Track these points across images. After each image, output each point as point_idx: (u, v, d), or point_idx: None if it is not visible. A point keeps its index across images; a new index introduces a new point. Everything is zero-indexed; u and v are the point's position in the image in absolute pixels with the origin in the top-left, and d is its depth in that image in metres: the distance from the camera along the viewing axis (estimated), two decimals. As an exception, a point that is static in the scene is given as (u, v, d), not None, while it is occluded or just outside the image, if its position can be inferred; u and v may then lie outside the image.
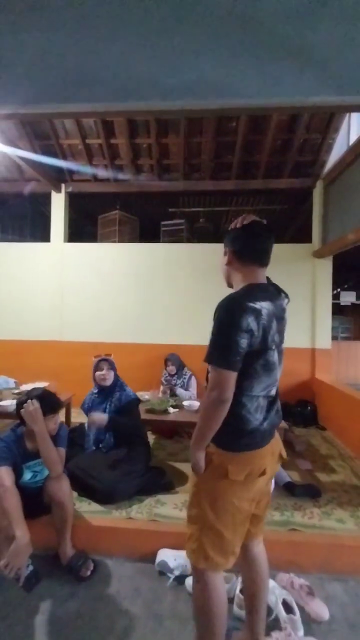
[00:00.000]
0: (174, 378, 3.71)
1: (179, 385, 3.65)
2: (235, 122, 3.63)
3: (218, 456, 1.10)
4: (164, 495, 2.15)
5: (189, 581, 1.64)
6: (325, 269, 4.10)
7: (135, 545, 1.84)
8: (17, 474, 1.73)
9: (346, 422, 3.24)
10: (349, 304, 8.56)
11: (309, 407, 3.85)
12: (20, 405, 1.77)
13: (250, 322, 1.03)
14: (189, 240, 4.37)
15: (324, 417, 3.75)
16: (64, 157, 4.06)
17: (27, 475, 1.79)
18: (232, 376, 1.03)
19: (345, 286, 8.95)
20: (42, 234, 4.70)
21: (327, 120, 3.58)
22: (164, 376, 3.83)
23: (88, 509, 1.99)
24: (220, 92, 1.27)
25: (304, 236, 4.25)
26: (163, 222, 4.44)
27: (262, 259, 1.18)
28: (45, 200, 4.63)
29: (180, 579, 1.67)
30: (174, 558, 1.72)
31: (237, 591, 1.55)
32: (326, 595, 1.63)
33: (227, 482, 1.09)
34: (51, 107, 1.36)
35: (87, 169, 4.00)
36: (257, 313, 1.04)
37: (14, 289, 4.43)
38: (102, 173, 4.21)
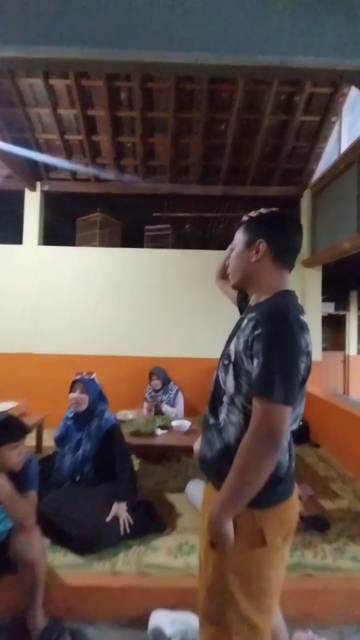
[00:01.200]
0: (159, 393, 3.43)
1: (165, 401, 3.36)
2: (225, 125, 3.49)
3: (249, 518, 0.83)
4: (155, 538, 1.83)
5: (191, 653, 1.34)
6: (314, 278, 4.00)
7: (123, 607, 1.51)
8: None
9: (343, 439, 3.08)
10: (327, 314, 8.69)
11: (300, 423, 3.67)
12: None
13: (308, 341, 0.83)
14: (174, 247, 4.13)
15: (317, 434, 3.59)
16: (41, 152, 3.73)
17: (-15, 526, 1.43)
18: (290, 413, 0.79)
19: (324, 297, 9.08)
20: (12, 235, 4.29)
21: (317, 128, 3.53)
22: (148, 391, 3.53)
23: (63, 561, 1.64)
24: (244, 45, 1.05)
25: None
26: (147, 227, 4.19)
27: (294, 264, 0.99)
28: (18, 199, 4.24)
29: (180, 650, 1.36)
30: (170, 622, 1.41)
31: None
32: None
33: (263, 551, 0.83)
34: (47, 50, 1.08)
35: (66, 164, 3.69)
36: (307, 330, 0.83)
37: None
38: (82, 172, 3.92)
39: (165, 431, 2.60)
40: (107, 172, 3.94)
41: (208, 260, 3.95)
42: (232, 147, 3.64)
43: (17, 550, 1.36)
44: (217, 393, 0.96)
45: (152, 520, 1.93)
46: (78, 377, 2.15)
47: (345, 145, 3.29)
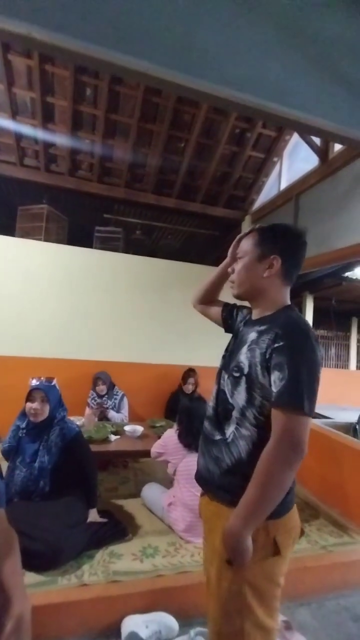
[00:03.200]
0: (104, 399, 3.34)
1: (111, 406, 3.30)
2: (184, 143, 3.68)
3: (263, 529, 0.84)
4: (117, 545, 1.82)
5: (167, 651, 1.38)
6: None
7: (94, 619, 1.47)
8: None
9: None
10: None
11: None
12: None
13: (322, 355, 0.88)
14: (124, 251, 4.11)
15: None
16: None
17: None
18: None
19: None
20: None
21: (261, 164, 4.00)
22: (92, 397, 3.41)
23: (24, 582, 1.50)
24: (275, 92, 1.22)
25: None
26: (98, 228, 4.08)
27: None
28: None
29: (155, 650, 1.40)
30: (144, 625, 1.44)
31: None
32: (298, 624, 1.62)
33: (276, 559, 0.86)
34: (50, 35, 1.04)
35: (10, 130, 3.30)
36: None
37: None
38: (31, 159, 3.62)
39: (118, 437, 2.57)
40: (59, 164, 3.73)
41: (157, 268, 4.05)
42: (187, 165, 3.85)
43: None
44: (221, 407, 0.95)
45: (114, 527, 1.90)
46: (37, 383, 1.96)
47: (284, 184, 3.81)
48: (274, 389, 0.82)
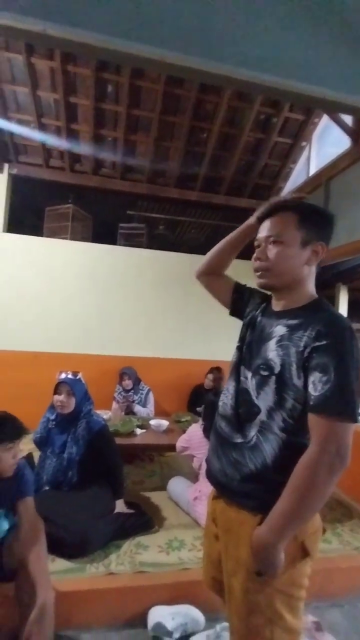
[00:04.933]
0: (130, 394, 3.39)
1: (137, 401, 3.34)
2: (207, 134, 3.61)
3: (292, 536, 0.80)
4: (144, 536, 1.84)
5: (193, 643, 1.39)
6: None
7: (120, 608, 1.50)
8: None
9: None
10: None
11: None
12: None
13: None
14: (147, 247, 4.13)
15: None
16: (12, 133, 3.46)
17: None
18: None
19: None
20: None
21: (288, 150, 3.84)
22: (118, 391, 3.48)
23: (53, 568, 1.55)
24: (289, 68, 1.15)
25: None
26: (121, 224, 4.12)
27: None
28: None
29: (182, 642, 1.40)
30: (171, 617, 1.44)
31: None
32: (329, 625, 1.56)
33: (304, 563, 0.82)
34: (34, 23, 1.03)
35: (36, 135, 3.41)
36: None
37: None
38: (56, 159, 3.72)
39: (144, 431, 2.60)
40: (83, 164, 3.80)
41: (181, 262, 4.03)
42: (210, 156, 3.78)
43: (19, 554, 1.27)
44: (244, 408, 0.88)
45: (140, 518, 1.92)
46: (63, 377, 2.02)
47: (313, 169, 3.63)
48: (314, 392, 0.74)
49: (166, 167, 3.88)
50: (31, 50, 2.90)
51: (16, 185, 3.89)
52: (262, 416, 0.83)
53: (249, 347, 0.93)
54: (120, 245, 4.10)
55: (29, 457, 2.02)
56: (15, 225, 3.91)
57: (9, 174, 3.74)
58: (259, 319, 0.96)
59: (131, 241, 4.10)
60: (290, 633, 0.82)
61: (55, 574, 1.50)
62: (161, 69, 1.42)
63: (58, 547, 1.62)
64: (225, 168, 3.94)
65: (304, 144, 3.76)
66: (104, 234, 4.25)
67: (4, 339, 3.63)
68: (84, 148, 3.63)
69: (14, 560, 1.31)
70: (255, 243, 0.95)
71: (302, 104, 2.90)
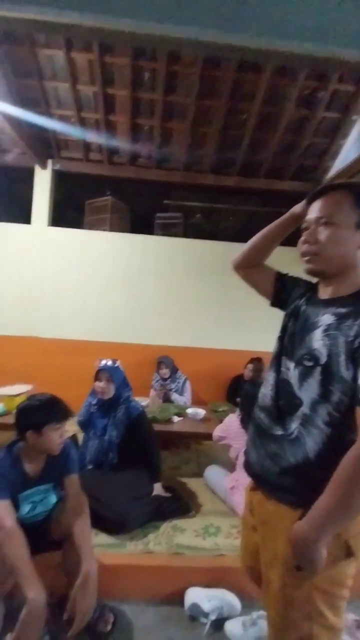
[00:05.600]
0: (168, 382, 3.45)
1: (174, 389, 3.39)
2: (246, 115, 3.46)
3: (335, 533, 0.78)
4: (180, 519, 1.88)
5: (229, 626, 1.41)
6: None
7: (158, 586, 1.57)
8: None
9: None
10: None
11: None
12: (22, 412, 1.40)
13: None
14: (184, 236, 4.11)
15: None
16: (54, 129, 3.59)
17: (24, 509, 1.43)
18: None
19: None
20: (20, 214, 4.13)
21: (336, 125, 3.55)
22: (156, 380, 3.55)
23: (96, 541, 1.65)
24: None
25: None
26: (158, 214, 4.13)
27: None
28: (24, 177, 4.08)
29: (218, 624, 1.43)
30: (207, 599, 1.48)
31: None
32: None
33: (347, 562, 0.79)
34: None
35: (77, 132, 3.51)
36: None
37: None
38: (96, 151, 3.80)
39: (180, 418, 2.64)
40: (120, 155, 3.84)
41: (217, 251, 3.97)
42: (249, 139, 3.62)
43: (67, 526, 1.37)
44: (285, 400, 0.85)
45: (177, 502, 1.97)
46: (102, 364, 2.11)
47: (363, 145, 3.34)
48: None
49: (202, 153, 3.79)
50: (70, 45, 2.95)
51: (58, 180, 4.05)
52: (305, 409, 0.79)
53: (292, 337, 0.89)
54: (157, 235, 4.12)
55: (73, 438, 2.16)
56: (58, 219, 4.09)
57: (52, 170, 3.90)
58: (303, 308, 0.91)
59: (168, 231, 4.10)
60: (330, 630, 0.80)
61: (98, 547, 1.60)
62: (201, 50, 1.37)
63: (100, 523, 1.72)
64: (266, 150, 3.76)
65: (355, 117, 3.45)
66: (141, 224, 4.30)
67: (47, 328, 3.87)
68: (122, 139, 3.66)
69: (61, 531, 1.41)
70: (303, 225, 0.89)
71: (353, 70, 2.65)
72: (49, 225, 3.92)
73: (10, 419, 2.30)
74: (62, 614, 1.31)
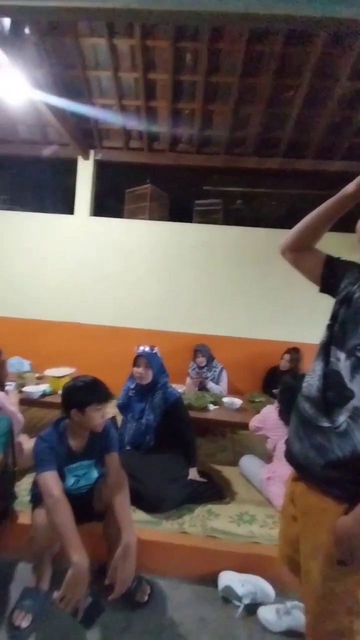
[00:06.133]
0: (204, 370, 3.46)
1: (210, 378, 3.40)
2: (294, 92, 3.25)
3: None
4: (215, 505, 1.91)
5: (262, 612, 1.42)
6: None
7: (191, 565, 1.61)
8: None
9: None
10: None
11: None
12: (68, 392, 1.49)
13: None
14: (224, 223, 4.02)
15: None
16: (96, 119, 3.66)
17: (68, 481, 1.53)
18: None
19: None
20: (62, 206, 4.30)
21: (395, 97, 3.22)
22: (192, 368, 3.57)
23: (134, 517, 1.71)
24: None
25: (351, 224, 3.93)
26: (197, 201, 4.08)
27: None
28: (68, 169, 4.23)
29: (250, 609, 1.45)
30: (240, 584, 1.50)
31: None
32: None
33: None
34: None
35: (119, 120, 3.54)
36: None
37: (32, 263, 4.07)
38: (135, 140, 3.82)
39: (216, 407, 2.64)
40: (160, 142, 3.82)
41: (258, 238, 3.84)
42: (296, 117, 3.41)
43: (105, 500, 1.45)
44: (333, 392, 0.83)
45: (212, 488, 2.00)
46: (140, 350, 2.16)
47: None
48: None
49: (245, 134, 3.65)
50: (113, 32, 2.95)
51: (100, 170, 4.13)
52: (356, 402, 0.77)
53: (343, 325, 0.85)
54: (195, 222, 4.08)
55: (112, 420, 2.25)
56: (99, 209, 4.20)
57: (94, 160, 3.99)
58: (357, 294, 0.86)
59: (207, 218, 4.04)
60: None
61: (136, 523, 1.65)
62: (250, 21, 1.31)
63: (137, 501, 1.79)
64: (314, 128, 3.53)
65: None
66: (180, 212, 4.28)
67: (88, 314, 4.03)
68: (162, 125, 3.63)
69: (102, 504, 1.50)
70: None
71: None
72: (90, 215, 4.04)
73: (55, 399, 2.51)
74: (103, 579, 1.41)
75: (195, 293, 3.97)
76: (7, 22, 2.62)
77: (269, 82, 3.16)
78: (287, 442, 0.96)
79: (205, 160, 3.86)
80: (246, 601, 1.45)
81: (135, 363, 2.14)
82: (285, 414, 1.96)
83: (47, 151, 4.01)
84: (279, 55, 2.96)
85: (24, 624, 1.28)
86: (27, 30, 2.90)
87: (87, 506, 1.54)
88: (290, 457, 0.94)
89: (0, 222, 4.12)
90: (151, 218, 4.03)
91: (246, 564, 1.58)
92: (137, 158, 3.98)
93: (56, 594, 1.13)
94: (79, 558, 1.17)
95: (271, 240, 3.86)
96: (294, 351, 3.38)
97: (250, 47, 2.93)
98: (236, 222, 4.09)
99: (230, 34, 2.89)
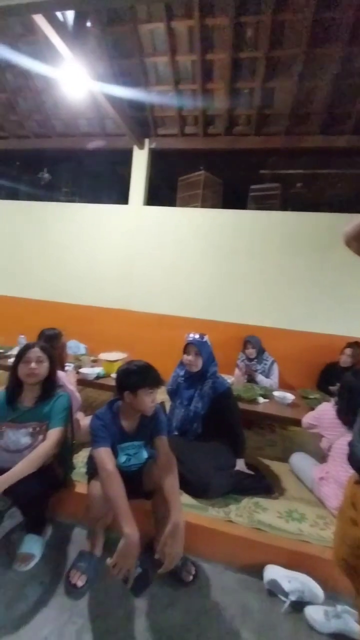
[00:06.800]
0: (254, 363, 3.37)
1: (260, 371, 3.30)
2: (367, 58, 2.92)
3: None
4: (262, 498, 1.88)
5: (310, 611, 1.38)
6: None
7: (236, 554, 1.61)
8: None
9: None
10: None
11: None
12: (122, 375, 1.55)
13: None
14: (281, 208, 3.81)
15: None
16: (152, 107, 3.67)
17: (120, 458, 1.61)
18: None
19: None
20: (117, 195, 4.44)
21: None
22: (241, 359, 3.50)
23: (181, 500, 1.78)
24: None
25: None
26: (253, 187, 3.91)
27: None
28: (123, 159, 4.33)
29: (296, 606, 1.41)
30: (287, 580, 1.46)
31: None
32: None
33: None
34: None
35: (173, 103, 3.51)
36: None
37: (88, 253, 4.29)
38: (190, 126, 3.76)
39: (266, 400, 2.57)
40: (216, 125, 3.71)
41: (320, 224, 3.58)
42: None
43: (154, 480, 1.51)
44: None
45: (259, 481, 1.97)
46: (191, 338, 2.16)
47: None
48: None
49: (309, 111, 3.38)
50: (171, 15, 2.91)
51: (153, 158, 4.16)
52: None
53: None
54: (250, 209, 3.93)
55: (161, 404, 2.31)
56: (153, 197, 4.25)
57: (149, 149, 4.02)
58: None
59: (263, 204, 3.86)
60: None
61: (184, 507, 1.71)
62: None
63: (183, 485, 1.82)
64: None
65: None
66: (234, 198, 4.16)
67: (141, 302, 4.14)
68: (219, 107, 3.52)
69: (152, 483, 1.56)
70: None
71: None
72: (143, 204, 4.10)
73: (108, 381, 2.65)
74: (151, 553, 1.48)
75: (248, 282, 3.86)
76: (70, 17, 2.71)
77: (338, 51, 2.87)
78: (351, 445, 0.91)
79: (263, 142, 3.67)
80: (293, 598, 1.41)
81: (186, 350, 2.16)
82: (343, 414, 1.83)
83: (95, 144, 4.12)
84: (350, 24, 2.67)
85: (80, 583, 1.40)
86: (88, 24, 2.98)
87: (137, 484, 1.61)
88: (353, 460, 0.89)
89: (61, 214, 4.39)
90: (204, 206, 3.97)
91: (294, 561, 1.54)
92: (192, 144, 3.92)
93: (109, 561, 1.21)
94: (130, 530, 1.24)
95: (333, 225, 3.59)
96: (356, 345, 3.14)
97: (318, 15, 2.68)
98: (295, 207, 3.85)
99: (296, 2, 2.67)
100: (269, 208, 3.82)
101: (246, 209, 3.94)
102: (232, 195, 4.14)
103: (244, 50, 3.05)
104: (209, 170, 4.11)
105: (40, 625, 1.27)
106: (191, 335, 2.20)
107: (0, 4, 1.71)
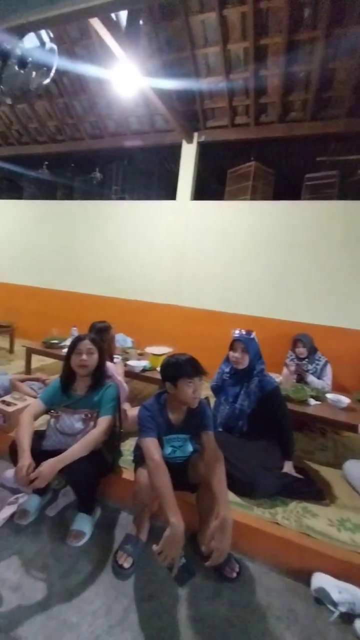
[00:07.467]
0: (304, 362, 3.20)
1: (311, 371, 3.13)
2: None
3: None
4: (312, 504, 1.79)
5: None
6: None
7: (282, 556, 1.56)
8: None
9: None
10: None
11: None
12: (164, 366, 1.57)
13: None
14: (340, 198, 3.55)
15: None
16: (202, 99, 3.63)
17: (166, 450, 1.63)
18: None
19: None
20: (165, 192, 4.48)
21: None
22: (290, 358, 3.35)
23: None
24: None
25: None
26: (308, 175, 3.68)
27: None
28: (172, 156, 4.35)
29: (345, 618, 1.33)
30: (337, 590, 1.38)
31: None
32: None
33: None
34: None
35: (224, 92, 3.42)
36: None
37: (137, 249, 4.40)
38: (241, 116, 3.65)
39: (318, 403, 2.43)
40: (268, 113, 3.56)
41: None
42: None
43: (200, 474, 1.51)
44: None
45: (308, 486, 1.87)
46: (237, 334, 2.11)
47: None
48: None
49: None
50: (223, 3, 2.83)
51: (202, 152, 4.11)
52: None
53: None
54: (305, 199, 3.72)
55: (207, 400, 2.31)
56: (200, 192, 4.21)
57: (198, 143, 3.99)
58: None
59: (319, 193, 3.62)
60: None
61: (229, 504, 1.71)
62: None
63: (229, 482, 1.80)
64: None
65: None
66: (287, 189, 3.96)
67: (188, 298, 4.15)
68: (272, 94, 3.37)
69: (197, 476, 1.57)
70: None
71: None
72: (191, 199, 4.08)
73: (154, 374, 2.71)
74: (195, 545, 1.49)
75: (301, 278, 3.66)
76: (123, 18, 2.77)
77: None
78: None
79: (321, 127, 3.43)
80: (342, 609, 1.34)
81: (232, 347, 2.11)
82: None
83: (145, 140, 4.16)
84: None
85: (126, 564, 1.46)
86: (141, 22, 3.02)
87: (182, 476, 1.63)
88: None
89: (111, 213, 4.55)
90: (253, 198, 3.84)
91: (345, 572, 1.45)
92: (242, 134, 3.80)
93: (155, 547, 1.24)
94: (176, 520, 1.26)
95: None
96: None
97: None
98: (355, 196, 3.56)
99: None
100: (325, 197, 3.57)
101: (300, 199, 3.73)
102: (284, 186, 3.95)
103: (300, 32, 2.87)
104: (261, 160, 3.95)
105: (91, 598, 1.35)
106: (237, 331, 2.15)
107: (62, 10, 1.80)
